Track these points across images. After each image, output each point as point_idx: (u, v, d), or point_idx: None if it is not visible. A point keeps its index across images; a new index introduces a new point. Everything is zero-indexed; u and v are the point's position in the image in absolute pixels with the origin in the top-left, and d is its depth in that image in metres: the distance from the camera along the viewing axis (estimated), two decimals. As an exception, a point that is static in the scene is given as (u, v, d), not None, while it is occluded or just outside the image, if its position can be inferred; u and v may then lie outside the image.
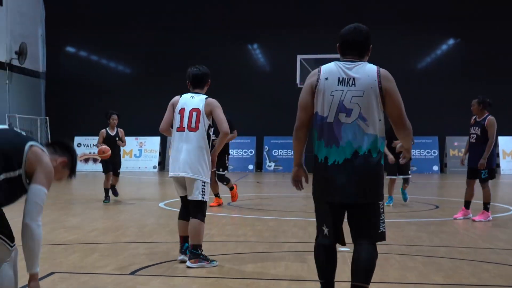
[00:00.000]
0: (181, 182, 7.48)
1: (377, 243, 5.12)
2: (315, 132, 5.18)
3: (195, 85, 7.63)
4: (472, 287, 6.52)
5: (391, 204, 14.41)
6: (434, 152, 29.46)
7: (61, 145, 4.96)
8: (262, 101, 29.85)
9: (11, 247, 4.67)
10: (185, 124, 7.37)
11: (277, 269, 7.27)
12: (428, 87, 29.56)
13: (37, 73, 30.99)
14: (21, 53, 28.50)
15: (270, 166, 29.48)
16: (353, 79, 5.03)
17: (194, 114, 7.35)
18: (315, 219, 5.29)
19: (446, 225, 11.32)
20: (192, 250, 7.34)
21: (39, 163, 4.60)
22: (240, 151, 29.85)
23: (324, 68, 5.18)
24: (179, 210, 7.71)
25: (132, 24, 30.91)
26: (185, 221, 7.53)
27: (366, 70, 5.05)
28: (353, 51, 5.15)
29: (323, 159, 5.06)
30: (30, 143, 4.64)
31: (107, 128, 15.23)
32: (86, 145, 30.05)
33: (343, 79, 5.04)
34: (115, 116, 15.30)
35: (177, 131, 7.41)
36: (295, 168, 5.38)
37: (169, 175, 7.54)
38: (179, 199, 7.72)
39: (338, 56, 5.29)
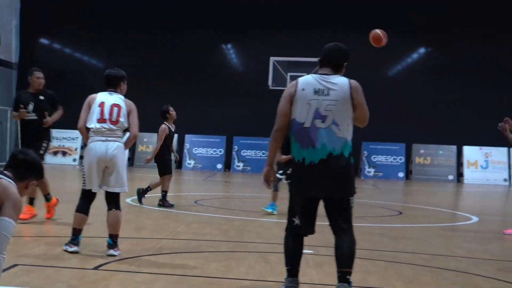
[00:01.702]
0: (102, 168, 7.61)
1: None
2: (292, 136, 5.75)
3: (108, 85, 7.92)
4: (431, 293, 6.58)
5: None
6: (401, 159, 29.66)
7: (25, 164, 4.91)
8: (233, 101, 29.84)
9: None
10: (106, 116, 7.65)
11: (240, 268, 7.26)
12: (398, 95, 29.75)
13: (10, 63, 30.65)
14: (-6, 43, 28.18)
15: (239, 166, 29.48)
16: (328, 89, 5.66)
17: (116, 109, 7.70)
18: (282, 219, 5.51)
19: (409, 231, 11.40)
20: (115, 240, 7.69)
21: (7, 196, 4.65)
22: (210, 150, 29.81)
23: (302, 80, 5.79)
24: (79, 202, 7.80)
25: (108, 19, 30.71)
26: (84, 215, 7.75)
27: (339, 82, 5.69)
28: (329, 65, 5.80)
29: (301, 159, 5.65)
30: None
31: (165, 122, 13.31)
32: (57, 138, 29.75)
33: (319, 90, 5.67)
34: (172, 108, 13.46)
35: (98, 122, 7.64)
36: (267, 168, 5.92)
37: (93, 159, 7.56)
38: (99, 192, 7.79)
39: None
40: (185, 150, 29.73)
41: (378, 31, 7.87)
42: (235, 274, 6.98)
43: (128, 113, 7.76)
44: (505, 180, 28.85)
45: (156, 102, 31.10)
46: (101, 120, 7.63)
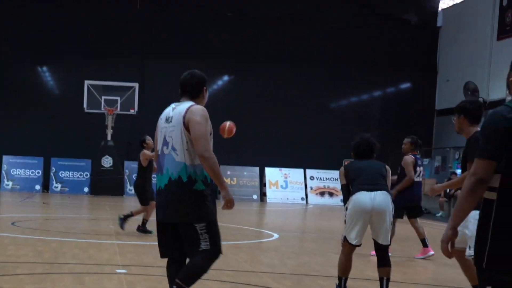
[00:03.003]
0: None
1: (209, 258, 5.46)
2: None
3: None
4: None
5: None
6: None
7: None
8: (50, 123, 28.88)
9: None
10: None
11: (56, 291, 7.00)
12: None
13: None
14: None
15: (57, 187, 28.46)
16: (172, 117, 5.51)
17: None
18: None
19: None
20: None
21: None
22: (27, 171, 28.53)
23: (165, 109, 5.65)
24: None
25: None
26: None
27: (181, 108, 5.49)
28: (185, 93, 5.63)
29: (158, 185, 5.55)
30: None
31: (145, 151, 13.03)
32: None
33: (168, 118, 5.54)
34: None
35: None
36: None
37: None
38: None
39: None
40: (3, 171, 28.27)
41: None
42: (50, 296, 6.72)
43: None
44: (302, 199, 29.99)
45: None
46: None
